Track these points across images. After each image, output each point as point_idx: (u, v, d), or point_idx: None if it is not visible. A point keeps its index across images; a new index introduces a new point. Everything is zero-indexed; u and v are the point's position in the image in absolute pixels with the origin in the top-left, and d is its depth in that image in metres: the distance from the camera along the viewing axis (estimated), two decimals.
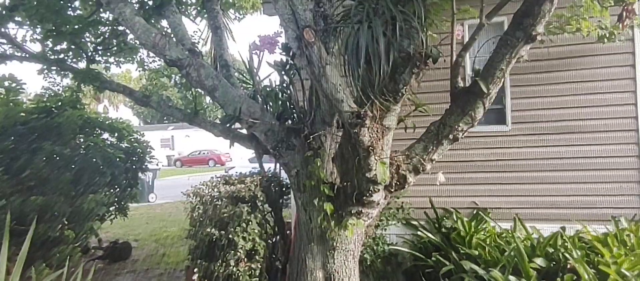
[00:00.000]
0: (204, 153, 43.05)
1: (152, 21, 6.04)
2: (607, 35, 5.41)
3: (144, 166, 9.29)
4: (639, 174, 6.15)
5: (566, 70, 6.28)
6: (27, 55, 6.36)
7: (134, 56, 7.73)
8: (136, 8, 5.30)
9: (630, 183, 6.15)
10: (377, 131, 3.63)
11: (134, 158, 8.98)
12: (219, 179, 6.48)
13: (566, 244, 5.26)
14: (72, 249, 6.21)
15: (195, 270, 5.90)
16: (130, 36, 6.77)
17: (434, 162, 4.18)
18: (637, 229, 5.54)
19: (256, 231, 5.68)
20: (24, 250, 3.67)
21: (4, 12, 5.79)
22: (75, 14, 6.26)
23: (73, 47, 6.35)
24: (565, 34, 5.65)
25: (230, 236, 5.57)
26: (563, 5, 5.18)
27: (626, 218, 5.93)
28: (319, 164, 4.28)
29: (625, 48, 6.00)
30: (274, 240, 6.32)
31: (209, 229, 5.64)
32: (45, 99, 7.42)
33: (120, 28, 6.54)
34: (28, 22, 6.06)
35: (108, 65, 7.38)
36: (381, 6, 3.34)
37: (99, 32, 6.75)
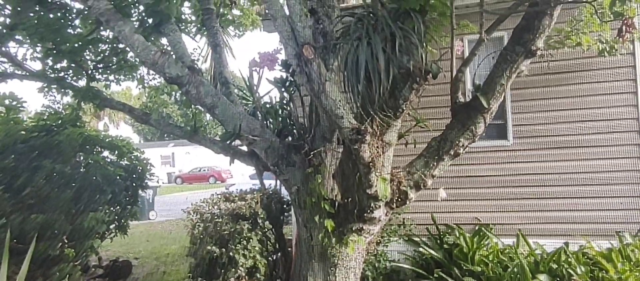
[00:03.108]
0: (204, 170, 42.99)
1: (152, 39, 6.03)
2: (608, 49, 5.42)
3: (144, 184, 9.25)
4: None
5: (567, 84, 6.28)
6: (28, 73, 6.36)
7: (134, 74, 7.71)
8: (136, 26, 5.30)
9: (634, 198, 6.11)
10: (377, 147, 3.61)
11: (134, 176, 8.95)
12: (219, 196, 6.45)
13: (570, 260, 5.22)
14: (72, 267, 6.15)
15: None
16: (130, 54, 6.76)
17: (435, 178, 4.15)
18: None
19: (257, 248, 5.65)
20: (24, 269, 3.65)
21: (4, 30, 5.80)
22: (75, 33, 6.24)
23: (73, 65, 6.34)
24: (565, 49, 5.66)
25: (231, 253, 5.53)
26: (563, 19, 5.19)
27: (630, 233, 5.89)
28: (319, 180, 4.25)
29: (626, 62, 6.01)
30: (275, 257, 6.28)
31: (209, 247, 5.61)
32: (45, 117, 7.40)
33: (120, 46, 6.53)
34: (28, 41, 6.06)
35: (108, 83, 7.34)
36: (380, 23, 3.34)
37: (99, 50, 6.73)
